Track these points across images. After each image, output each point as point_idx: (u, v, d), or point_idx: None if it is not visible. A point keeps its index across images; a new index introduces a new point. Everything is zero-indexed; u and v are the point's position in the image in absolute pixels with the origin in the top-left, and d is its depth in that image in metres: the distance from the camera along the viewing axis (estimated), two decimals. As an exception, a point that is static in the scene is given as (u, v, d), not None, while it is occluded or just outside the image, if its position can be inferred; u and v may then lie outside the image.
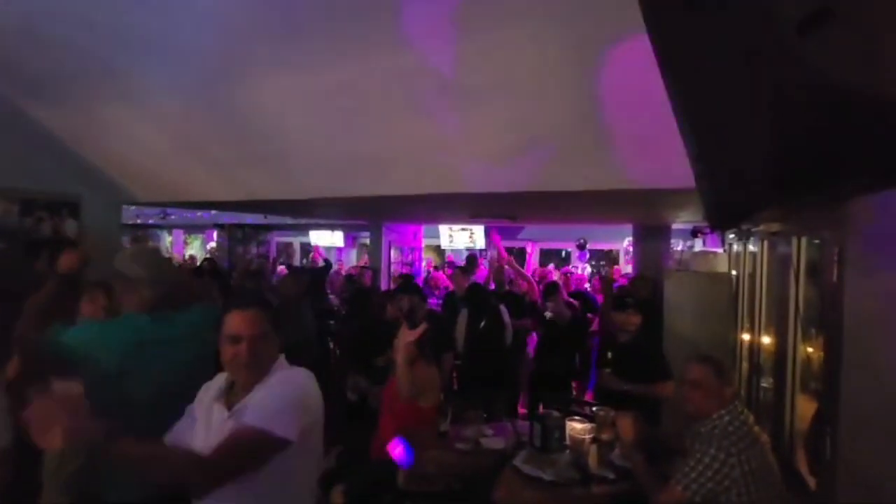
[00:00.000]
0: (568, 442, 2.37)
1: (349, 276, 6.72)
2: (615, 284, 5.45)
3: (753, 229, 2.71)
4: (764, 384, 2.87)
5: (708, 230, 4.41)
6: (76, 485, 1.63)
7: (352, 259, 10.80)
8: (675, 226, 4.67)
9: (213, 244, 11.74)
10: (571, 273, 5.44)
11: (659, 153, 1.85)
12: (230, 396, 1.45)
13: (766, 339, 2.84)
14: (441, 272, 6.74)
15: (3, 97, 2.57)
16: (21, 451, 1.49)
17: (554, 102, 1.77)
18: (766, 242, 2.63)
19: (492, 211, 3.96)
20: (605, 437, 2.47)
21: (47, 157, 3.01)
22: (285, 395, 1.30)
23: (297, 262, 11.94)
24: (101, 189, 3.26)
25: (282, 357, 1.46)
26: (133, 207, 4.34)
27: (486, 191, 2.24)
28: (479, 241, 7.61)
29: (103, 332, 1.69)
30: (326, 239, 10.42)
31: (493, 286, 4.89)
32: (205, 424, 1.39)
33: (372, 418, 2.96)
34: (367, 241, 10.51)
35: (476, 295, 4.17)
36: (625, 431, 2.10)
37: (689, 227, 4.87)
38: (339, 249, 10.88)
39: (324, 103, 2.08)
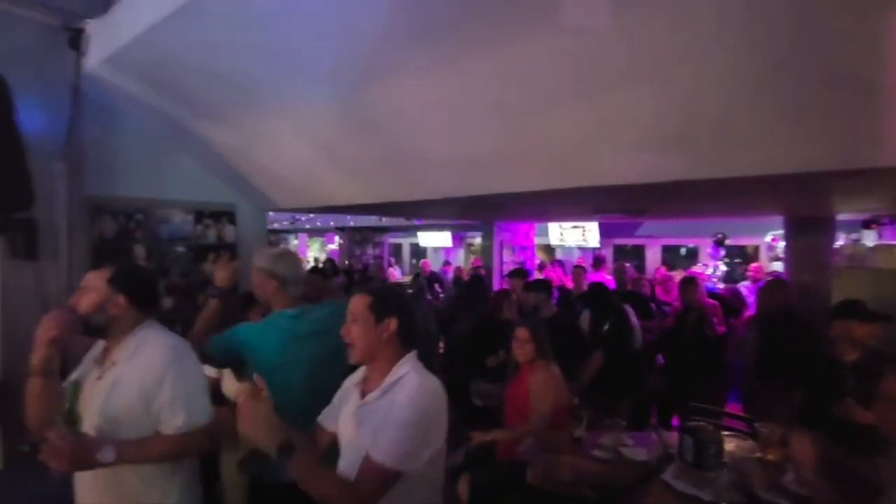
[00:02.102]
0: (726, 459, 2.13)
1: (459, 277, 6.82)
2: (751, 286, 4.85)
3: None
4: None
5: (887, 220, 3.72)
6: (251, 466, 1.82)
7: (459, 259, 10.96)
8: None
9: (332, 246, 12.68)
10: (702, 274, 4.94)
11: (846, 130, 1.57)
12: (365, 384, 1.53)
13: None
14: (552, 270, 6.53)
15: (179, 122, 2.97)
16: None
17: (710, 84, 1.59)
18: None
19: (621, 205, 3.72)
20: (770, 457, 2.18)
21: (212, 172, 3.43)
22: (412, 423, 1.31)
23: (406, 263, 12.44)
24: (250, 198, 3.64)
25: (410, 356, 1.47)
26: (270, 213, 4.80)
27: (628, 182, 2.09)
28: (593, 239, 7.26)
29: (264, 329, 1.88)
30: (434, 240, 10.71)
31: (613, 285, 4.63)
32: (345, 409, 1.50)
33: (496, 415, 2.94)
34: (475, 240, 10.62)
35: (599, 294, 3.96)
36: (804, 454, 1.82)
37: (855, 218, 4.16)
38: (447, 250, 11.10)
39: (454, 103, 2.09)
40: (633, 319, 3.82)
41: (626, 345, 3.71)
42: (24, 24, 2.61)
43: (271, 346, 1.82)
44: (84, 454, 1.37)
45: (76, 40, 2.68)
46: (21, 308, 2.64)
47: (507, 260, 6.44)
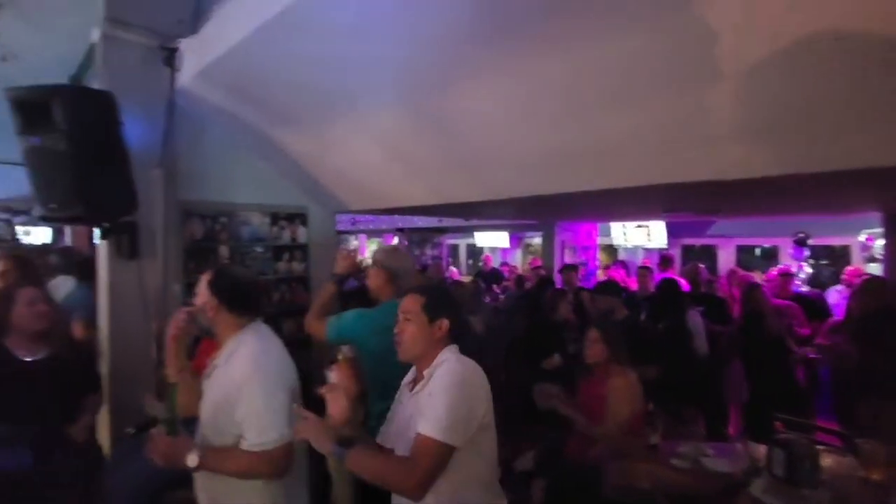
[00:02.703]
0: (824, 477, 1.97)
1: (520, 277, 6.75)
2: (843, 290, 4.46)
3: None
4: None
5: None
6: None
7: (516, 259, 10.87)
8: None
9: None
10: (786, 273, 4.61)
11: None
12: (413, 381, 1.57)
13: None
14: (615, 271, 6.32)
15: (259, 130, 3.15)
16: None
17: (800, 74, 1.48)
18: None
19: (695, 204, 3.55)
20: (875, 476, 2.01)
21: (287, 176, 3.62)
22: (453, 396, 1.35)
23: (463, 263, 12.49)
24: (321, 201, 3.80)
25: (451, 346, 1.50)
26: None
27: (709, 179, 1.99)
28: (659, 239, 6.94)
29: (375, 316, 1.99)
30: (491, 240, 10.67)
31: (687, 286, 4.41)
32: (397, 411, 1.56)
33: (560, 417, 2.88)
34: (533, 240, 10.49)
35: (667, 292, 3.78)
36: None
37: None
38: (504, 250, 11.04)
39: (527, 103, 2.08)
40: (697, 322, 3.62)
41: (683, 348, 3.51)
42: (128, 47, 2.87)
43: (378, 333, 1.90)
44: (174, 454, 1.49)
45: (171, 58, 2.92)
46: (125, 302, 2.92)
47: (568, 260, 6.31)
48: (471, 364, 1.44)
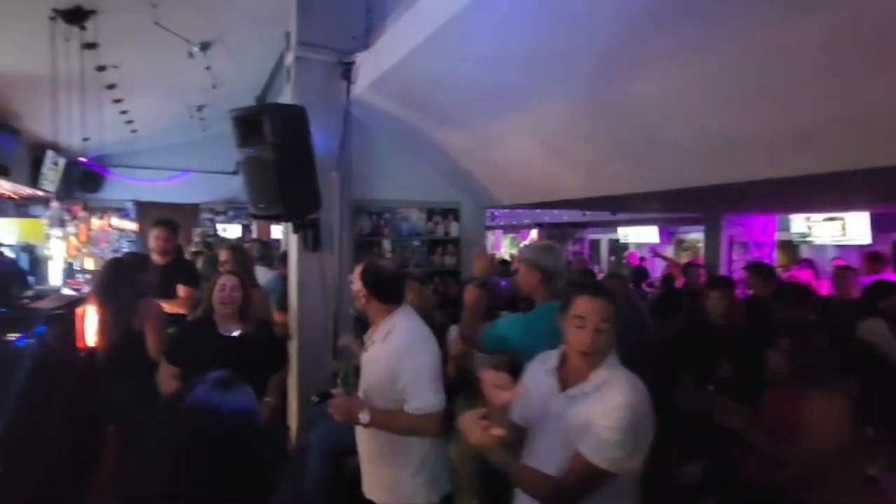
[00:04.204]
0: None
1: (669, 275, 6.19)
2: None
3: None
4: None
5: None
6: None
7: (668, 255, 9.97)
8: None
9: (525, 243, 12.88)
10: None
11: None
12: (563, 372, 1.50)
13: None
14: (800, 270, 5.42)
15: (419, 130, 3.37)
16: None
17: None
18: None
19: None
20: None
21: (441, 173, 3.81)
22: (625, 427, 1.30)
23: (604, 259, 11.88)
24: (474, 196, 3.92)
25: (615, 356, 1.44)
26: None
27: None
28: (859, 234, 5.75)
29: (530, 321, 1.96)
30: (639, 235, 9.95)
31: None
32: (535, 394, 1.49)
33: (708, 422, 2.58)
34: (688, 236, 9.53)
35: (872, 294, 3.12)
36: None
37: None
38: (653, 246, 10.21)
39: (707, 87, 1.89)
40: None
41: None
42: (313, 65, 3.29)
43: (538, 339, 1.84)
44: (350, 412, 1.73)
45: (347, 72, 3.27)
46: (310, 289, 3.37)
47: (737, 258, 5.58)
48: (642, 387, 1.41)
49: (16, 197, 7.23)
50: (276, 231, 9.04)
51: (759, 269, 3.84)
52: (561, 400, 1.45)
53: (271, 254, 5.14)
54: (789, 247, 6.75)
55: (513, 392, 1.33)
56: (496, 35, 2.01)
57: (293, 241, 3.44)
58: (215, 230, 10.47)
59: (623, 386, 1.38)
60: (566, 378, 1.48)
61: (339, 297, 3.37)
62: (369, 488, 1.90)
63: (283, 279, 3.79)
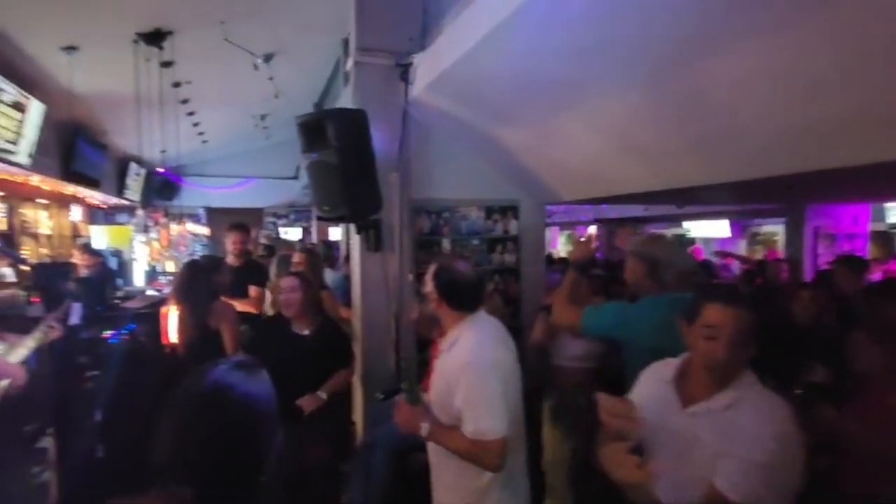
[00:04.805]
0: None
1: (748, 272, 5.79)
2: None
3: None
4: None
5: None
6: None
7: (741, 250, 9.36)
8: None
9: (582, 239, 12.48)
10: None
11: None
12: (684, 386, 1.37)
13: None
14: (893, 266, 4.90)
15: (478, 128, 3.34)
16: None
17: None
18: None
19: None
20: None
21: (500, 171, 3.77)
22: (772, 465, 1.18)
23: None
24: (533, 193, 3.85)
25: (751, 375, 1.31)
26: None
27: None
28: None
29: (641, 309, 1.87)
30: (707, 229, 9.41)
31: None
32: (651, 407, 1.36)
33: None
34: (762, 229, 8.90)
35: None
36: None
37: None
38: (724, 241, 9.61)
39: (785, 70, 1.73)
40: None
41: None
42: (372, 68, 3.35)
43: (647, 328, 1.77)
44: (412, 422, 1.65)
45: (405, 73, 3.31)
46: (373, 288, 3.43)
47: (823, 252, 5.11)
48: (788, 412, 1.29)
49: (105, 206, 7.93)
50: (335, 233, 9.34)
51: (850, 263, 3.50)
52: (682, 417, 1.33)
53: (333, 255, 5.32)
54: (885, 238, 6.08)
55: (635, 430, 1.25)
56: (555, 29, 1.95)
57: (356, 241, 3.52)
58: (277, 233, 10.97)
59: (768, 411, 1.25)
60: (688, 393, 1.36)
61: (400, 297, 3.41)
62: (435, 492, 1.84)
63: (347, 279, 3.89)
